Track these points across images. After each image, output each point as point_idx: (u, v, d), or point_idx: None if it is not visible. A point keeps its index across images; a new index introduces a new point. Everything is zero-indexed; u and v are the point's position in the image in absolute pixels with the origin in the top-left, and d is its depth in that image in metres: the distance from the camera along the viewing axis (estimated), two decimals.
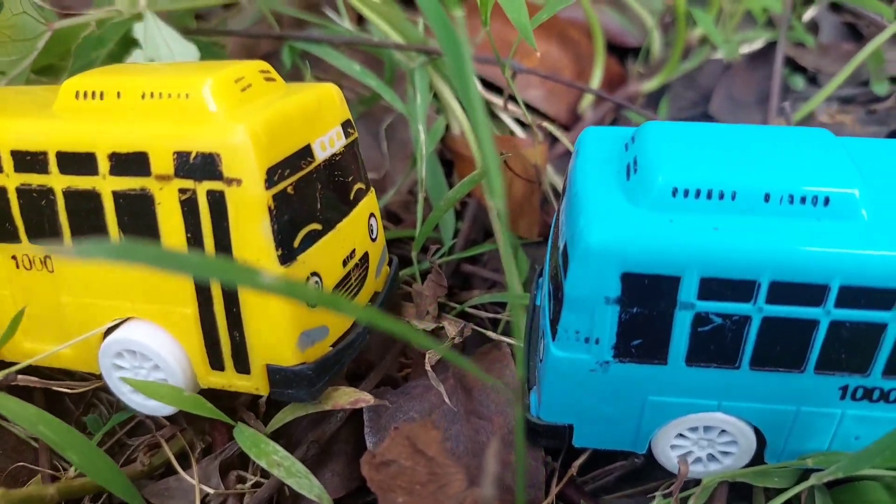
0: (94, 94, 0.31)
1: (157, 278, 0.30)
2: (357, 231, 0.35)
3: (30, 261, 0.33)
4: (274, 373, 0.31)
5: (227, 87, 0.30)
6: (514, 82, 0.50)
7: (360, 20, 0.62)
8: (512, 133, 0.54)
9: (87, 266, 0.31)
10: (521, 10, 0.36)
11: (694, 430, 0.31)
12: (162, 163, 0.29)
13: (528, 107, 0.58)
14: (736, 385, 0.29)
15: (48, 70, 0.49)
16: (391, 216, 0.53)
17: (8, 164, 0.31)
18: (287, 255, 0.29)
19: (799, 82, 0.65)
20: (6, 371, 0.33)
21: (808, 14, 0.71)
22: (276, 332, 0.30)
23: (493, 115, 0.55)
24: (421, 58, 0.49)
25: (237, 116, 0.29)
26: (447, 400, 0.34)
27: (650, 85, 0.61)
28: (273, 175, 0.29)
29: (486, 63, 0.53)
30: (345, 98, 0.35)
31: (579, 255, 0.27)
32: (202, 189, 0.29)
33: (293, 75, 0.64)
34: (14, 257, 0.33)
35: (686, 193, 0.27)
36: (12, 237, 0.32)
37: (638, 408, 0.31)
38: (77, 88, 0.31)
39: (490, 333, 0.39)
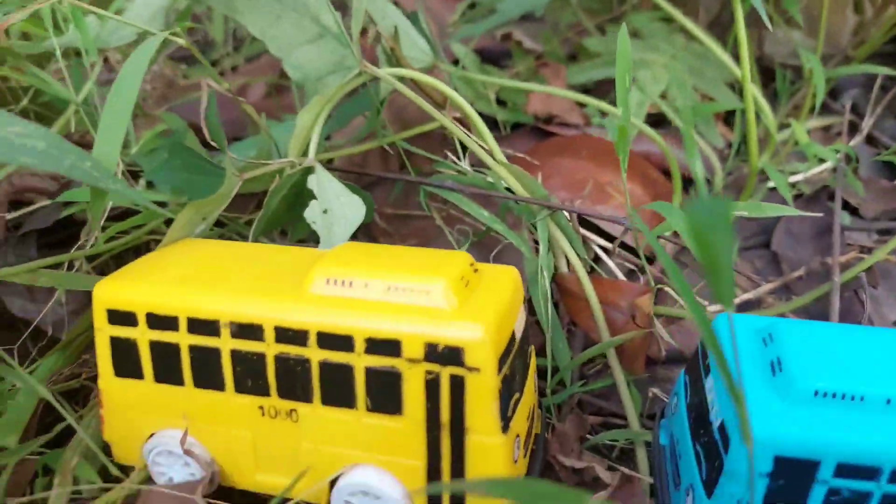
0: (343, 282, 0.38)
1: (394, 434, 0.38)
2: (531, 388, 0.43)
3: (276, 411, 0.40)
4: None
5: (457, 285, 0.38)
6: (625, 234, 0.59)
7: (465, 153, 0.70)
8: (596, 261, 0.62)
9: (332, 420, 0.39)
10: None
11: None
12: (413, 349, 0.36)
13: (621, 245, 0.66)
14: None
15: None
16: None
17: (270, 337, 0.38)
18: (505, 425, 0.37)
19: (846, 217, 0.74)
20: None
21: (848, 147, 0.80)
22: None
23: (595, 258, 0.63)
24: (544, 211, 0.57)
25: (473, 314, 0.36)
26: None
27: None
28: (501, 363, 0.36)
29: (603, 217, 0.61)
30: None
31: (740, 441, 0.35)
32: (446, 373, 0.36)
33: (403, 199, 0.72)
34: (261, 407, 0.40)
35: (825, 395, 0.36)
36: (264, 392, 0.39)
37: None
38: (328, 276, 0.39)
39: (623, 469, 0.46)
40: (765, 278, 0.68)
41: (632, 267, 0.63)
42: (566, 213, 0.58)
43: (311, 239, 0.62)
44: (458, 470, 0.37)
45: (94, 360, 0.52)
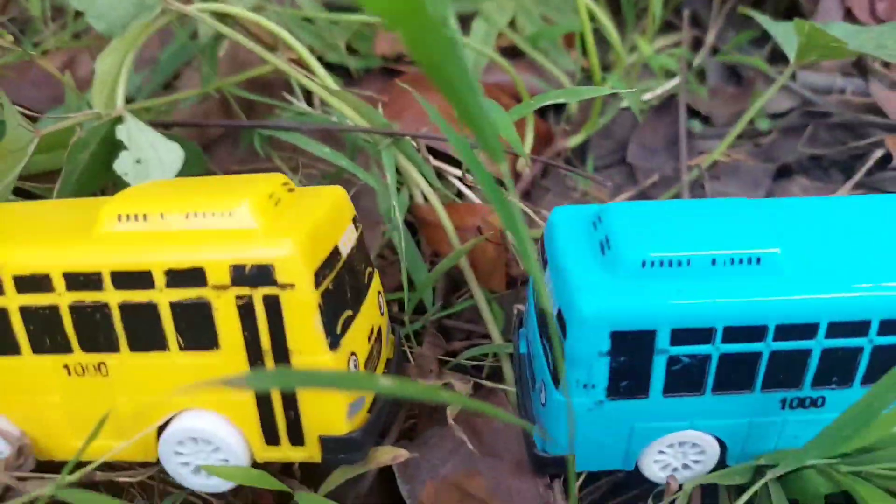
0: (136, 216, 0.35)
1: (214, 371, 0.35)
2: (373, 309, 0.40)
3: (82, 368, 0.36)
4: (328, 442, 0.35)
5: (264, 204, 0.35)
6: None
7: (309, 98, 0.67)
8: (460, 196, 0.61)
9: (145, 368, 0.35)
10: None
11: (671, 446, 0.38)
12: (219, 275, 0.33)
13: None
14: (702, 408, 0.37)
15: (36, 177, 0.52)
16: None
17: (60, 286, 0.34)
18: (333, 342, 0.34)
19: (697, 125, 0.75)
20: (84, 469, 0.36)
21: (696, 61, 0.82)
22: (329, 408, 0.35)
23: (441, 178, 0.61)
24: (386, 140, 0.55)
25: (282, 231, 0.34)
26: (470, 445, 0.40)
27: (575, 140, 0.69)
28: (319, 277, 0.34)
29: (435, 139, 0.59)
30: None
31: (575, 322, 0.34)
32: (258, 294, 0.33)
33: (249, 156, 0.68)
34: (66, 366, 0.36)
35: (652, 264, 0.35)
36: (65, 349, 0.35)
37: (626, 434, 0.38)
38: (119, 212, 0.35)
39: (486, 383, 0.45)
40: (623, 189, 0.68)
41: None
42: (414, 143, 0.56)
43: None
44: (289, 398, 0.35)
45: None
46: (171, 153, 0.49)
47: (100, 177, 0.53)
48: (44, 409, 0.37)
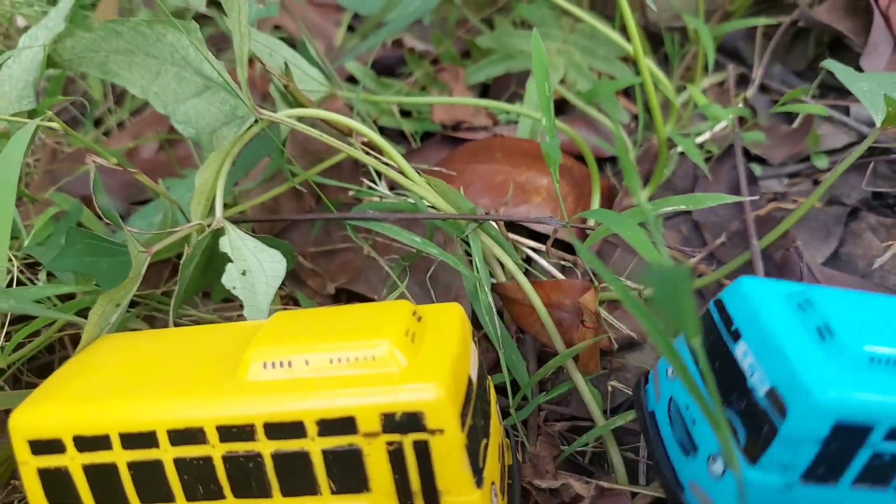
0: (282, 363, 0.36)
1: None
2: (497, 425, 0.41)
3: None
4: None
5: (403, 342, 0.36)
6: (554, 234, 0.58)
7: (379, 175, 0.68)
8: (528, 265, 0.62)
9: None
10: None
11: None
12: (369, 423, 0.34)
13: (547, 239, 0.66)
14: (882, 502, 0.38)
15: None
16: None
17: (213, 438, 0.36)
18: (479, 478, 0.36)
19: (757, 168, 0.76)
20: None
21: (748, 93, 0.82)
22: None
23: (527, 260, 0.62)
24: (471, 224, 0.56)
25: (425, 371, 0.35)
26: None
27: (644, 196, 0.70)
28: (463, 417, 0.35)
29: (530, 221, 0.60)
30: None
31: (802, 405, 0.35)
32: (408, 440, 0.34)
33: (324, 237, 0.69)
34: None
35: (878, 361, 0.36)
36: (218, 496, 0.37)
37: None
38: (264, 359, 0.36)
39: (603, 483, 0.46)
40: (692, 247, 0.69)
41: (565, 263, 0.63)
42: (493, 222, 0.57)
43: (235, 297, 0.59)
44: None
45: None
46: (274, 262, 0.50)
47: (200, 283, 0.54)
48: None
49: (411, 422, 0.34)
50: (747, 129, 0.78)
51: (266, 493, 0.36)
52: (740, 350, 0.41)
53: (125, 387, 0.38)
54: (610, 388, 0.55)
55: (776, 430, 0.36)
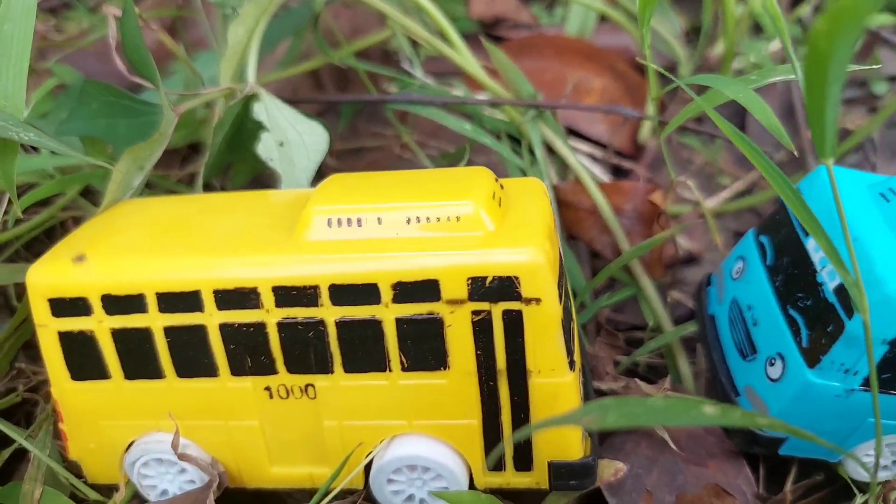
0: (349, 221, 0.31)
1: (439, 394, 0.31)
2: (573, 313, 0.37)
3: (287, 390, 0.32)
4: (559, 468, 0.32)
5: (491, 205, 0.31)
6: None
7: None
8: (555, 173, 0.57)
9: (360, 390, 0.32)
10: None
11: (888, 445, 0.36)
12: (455, 288, 0.30)
13: (595, 142, 0.61)
14: None
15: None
16: None
17: (269, 301, 0.31)
18: (571, 361, 0.31)
19: None
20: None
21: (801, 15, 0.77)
22: (567, 433, 0.32)
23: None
24: (531, 112, 0.51)
25: (518, 237, 0.30)
26: (673, 446, 0.37)
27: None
28: (559, 289, 0.30)
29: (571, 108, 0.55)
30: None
31: (877, 302, 0.31)
32: (498, 310, 0.30)
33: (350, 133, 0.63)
34: (268, 388, 0.32)
35: None
36: (269, 370, 0.32)
37: (854, 427, 0.35)
38: (328, 216, 0.31)
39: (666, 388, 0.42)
40: (747, 165, 0.65)
41: (622, 167, 0.58)
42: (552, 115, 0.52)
43: (256, 184, 0.53)
44: (520, 422, 0.32)
45: (29, 369, 0.43)
46: (315, 134, 0.45)
47: (223, 159, 0.49)
48: (239, 435, 0.33)
49: (503, 288, 0.29)
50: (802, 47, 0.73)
51: (326, 369, 0.32)
52: (811, 244, 0.37)
53: (162, 245, 0.33)
54: (670, 300, 0.51)
55: (842, 328, 0.32)
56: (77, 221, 0.53)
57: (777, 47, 0.71)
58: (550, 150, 0.55)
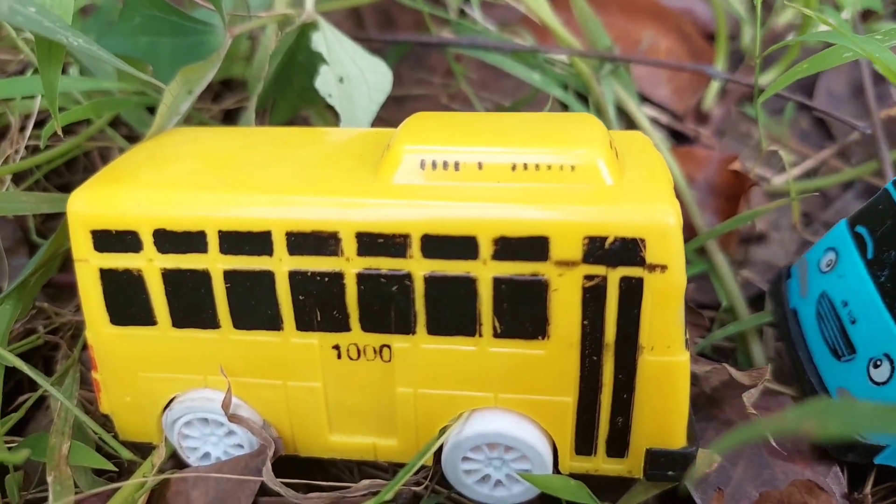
0: (445, 163, 0.27)
1: (534, 366, 0.28)
2: None
3: (359, 351, 0.29)
4: (657, 456, 0.29)
5: (609, 155, 0.27)
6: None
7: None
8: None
9: (443, 355, 0.28)
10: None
11: None
12: (567, 248, 0.26)
13: (658, 105, 0.57)
14: None
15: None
16: None
17: (350, 248, 0.27)
18: (686, 339, 0.28)
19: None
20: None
21: None
22: (672, 417, 0.28)
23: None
24: (607, 66, 0.46)
25: (643, 194, 0.26)
26: (773, 442, 0.34)
27: (768, 77, 0.61)
28: (687, 259, 0.27)
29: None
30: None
31: None
32: (615, 276, 0.26)
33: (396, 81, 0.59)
34: (337, 347, 0.29)
35: None
36: (341, 326, 0.28)
37: None
38: (421, 157, 0.27)
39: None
40: (812, 144, 0.61)
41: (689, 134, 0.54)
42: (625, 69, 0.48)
43: (297, 121, 0.49)
44: (622, 403, 0.28)
45: (50, 309, 0.39)
46: (378, 72, 0.40)
47: (267, 94, 0.44)
48: (298, 397, 0.30)
49: (625, 251, 0.26)
50: (872, 22, 0.69)
51: (407, 329, 0.28)
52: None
53: (224, 179, 0.28)
54: (740, 279, 0.47)
55: None
56: (103, 153, 0.48)
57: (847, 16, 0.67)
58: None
